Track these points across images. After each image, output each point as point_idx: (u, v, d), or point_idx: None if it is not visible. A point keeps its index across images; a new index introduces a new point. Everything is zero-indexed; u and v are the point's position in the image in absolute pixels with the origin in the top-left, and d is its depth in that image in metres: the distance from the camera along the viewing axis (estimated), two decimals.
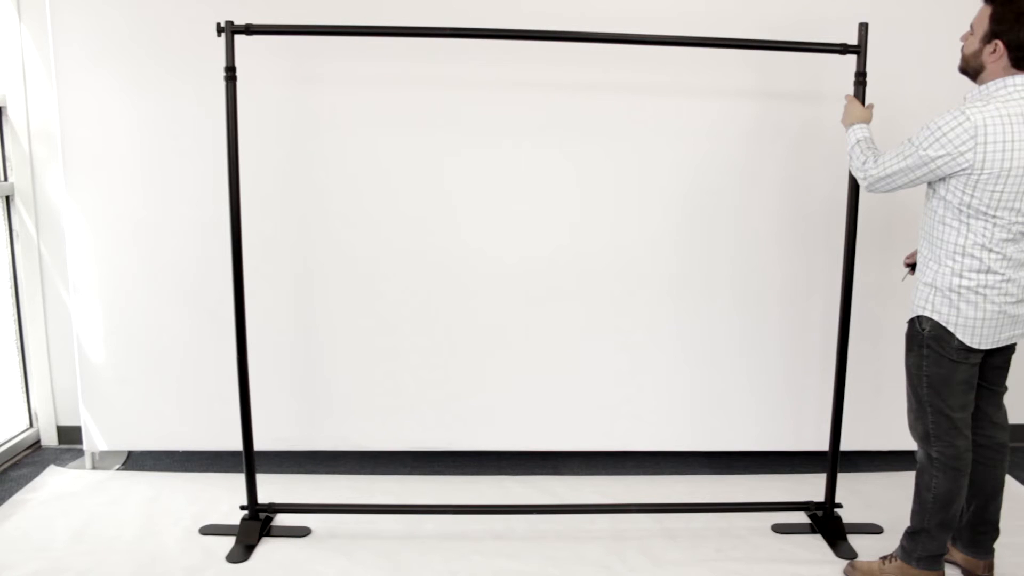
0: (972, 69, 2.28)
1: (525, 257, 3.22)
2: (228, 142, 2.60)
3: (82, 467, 3.37)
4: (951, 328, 2.30)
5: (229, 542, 2.77)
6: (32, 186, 3.42)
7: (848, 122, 2.54)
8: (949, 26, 3.05)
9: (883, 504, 3.06)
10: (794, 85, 3.10)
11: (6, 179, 3.43)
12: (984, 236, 2.24)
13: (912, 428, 2.48)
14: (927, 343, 2.35)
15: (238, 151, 2.63)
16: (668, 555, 2.72)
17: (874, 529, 2.87)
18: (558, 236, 3.19)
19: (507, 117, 3.11)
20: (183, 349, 3.27)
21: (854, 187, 2.70)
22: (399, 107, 3.12)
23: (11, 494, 3.12)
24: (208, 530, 2.86)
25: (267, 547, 2.76)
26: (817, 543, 2.80)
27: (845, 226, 2.73)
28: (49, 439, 3.61)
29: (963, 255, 2.27)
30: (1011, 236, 2.23)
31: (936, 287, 2.32)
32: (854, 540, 2.79)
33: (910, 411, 2.47)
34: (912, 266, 2.58)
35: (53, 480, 3.24)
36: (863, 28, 2.61)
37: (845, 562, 2.66)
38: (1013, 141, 2.14)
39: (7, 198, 3.44)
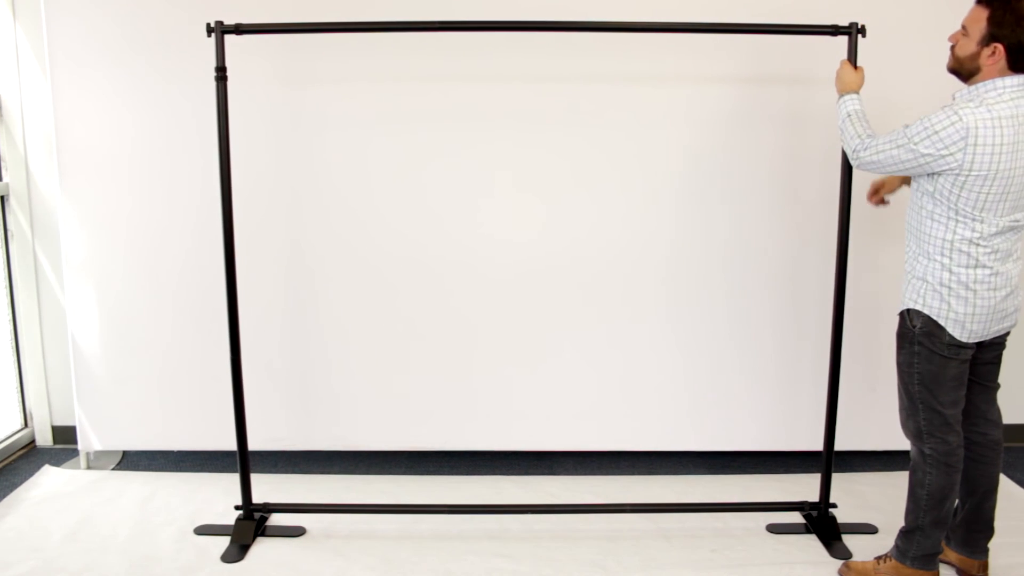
0: (966, 71, 2.27)
1: (519, 258, 3.22)
2: (219, 142, 2.61)
3: (77, 467, 3.38)
4: (942, 322, 2.31)
5: (224, 542, 2.78)
6: (27, 186, 3.42)
7: (841, 89, 2.53)
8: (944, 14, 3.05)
9: (878, 504, 3.05)
10: (787, 72, 3.09)
11: (1, 179, 3.43)
12: (972, 231, 2.24)
13: (904, 426, 2.48)
14: (918, 339, 2.35)
15: (229, 150, 2.63)
16: (663, 555, 2.71)
17: (869, 529, 2.87)
18: (553, 236, 3.19)
19: (500, 112, 3.11)
20: (178, 349, 3.28)
21: (847, 187, 2.69)
22: (393, 104, 3.12)
23: (6, 494, 3.13)
24: (203, 530, 2.86)
25: (262, 547, 2.76)
26: (812, 543, 2.79)
27: (838, 227, 2.72)
28: (44, 439, 3.62)
29: (952, 250, 2.28)
30: (998, 230, 2.24)
31: (927, 281, 2.32)
32: (849, 540, 2.79)
33: (902, 409, 2.47)
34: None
35: (48, 480, 3.25)
36: (855, 25, 2.61)
37: (840, 562, 2.65)
38: (1002, 144, 2.14)
39: (2, 198, 3.44)
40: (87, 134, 3.12)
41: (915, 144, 2.22)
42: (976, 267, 2.26)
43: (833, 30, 2.61)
